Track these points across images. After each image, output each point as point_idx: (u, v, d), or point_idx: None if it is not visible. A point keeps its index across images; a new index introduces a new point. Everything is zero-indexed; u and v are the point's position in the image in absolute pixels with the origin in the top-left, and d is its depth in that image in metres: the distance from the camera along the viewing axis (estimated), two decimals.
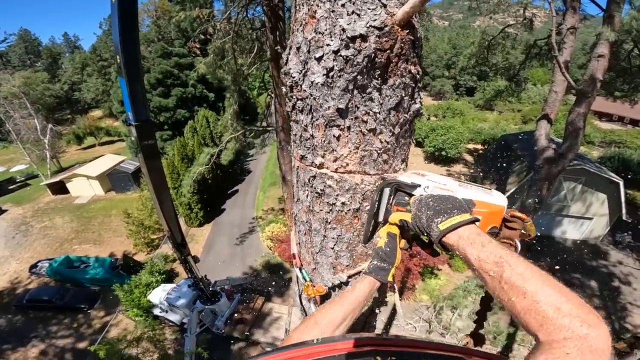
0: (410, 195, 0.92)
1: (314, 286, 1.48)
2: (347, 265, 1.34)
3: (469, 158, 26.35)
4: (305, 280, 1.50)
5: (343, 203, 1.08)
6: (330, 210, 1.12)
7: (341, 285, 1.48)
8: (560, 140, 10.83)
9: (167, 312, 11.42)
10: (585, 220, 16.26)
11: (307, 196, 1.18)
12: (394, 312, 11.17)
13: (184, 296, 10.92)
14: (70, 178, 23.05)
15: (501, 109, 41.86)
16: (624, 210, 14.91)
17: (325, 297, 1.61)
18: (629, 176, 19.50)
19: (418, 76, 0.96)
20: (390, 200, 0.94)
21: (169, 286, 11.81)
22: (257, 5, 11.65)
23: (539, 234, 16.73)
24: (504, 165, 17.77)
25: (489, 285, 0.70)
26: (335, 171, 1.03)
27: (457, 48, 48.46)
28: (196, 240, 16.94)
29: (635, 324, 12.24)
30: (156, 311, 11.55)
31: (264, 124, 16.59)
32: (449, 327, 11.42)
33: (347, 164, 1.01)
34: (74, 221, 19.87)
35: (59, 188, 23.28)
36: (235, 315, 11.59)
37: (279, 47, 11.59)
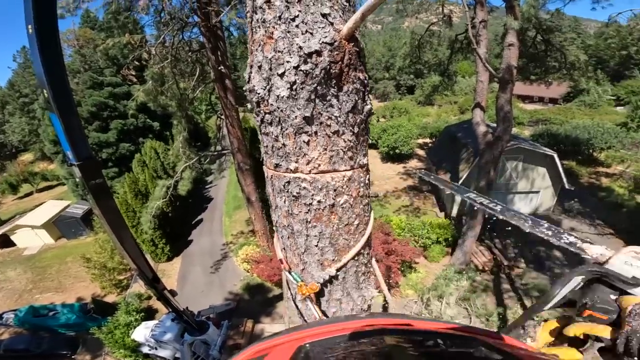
0: (622, 292, 0.62)
1: (307, 285, 1.56)
2: (333, 260, 1.44)
3: (421, 152, 28.01)
4: (297, 281, 1.56)
5: (319, 201, 1.19)
6: (308, 210, 1.22)
7: (331, 279, 1.57)
8: (495, 125, 11.97)
9: (156, 349, 10.70)
10: (533, 194, 17.50)
11: (284, 201, 1.26)
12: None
13: (169, 330, 10.26)
14: (13, 230, 21.27)
15: (440, 103, 45.36)
16: (564, 180, 16.26)
17: (318, 294, 1.69)
18: (561, 148, 22.06)
19: (366, 81, 1.11)
20: (584, 296, 0.65)
21: (151, 323, 11.07)
22: (193, 27, 11.48)
23: None
24: (453, 154, 19.06)
25: None
26: (309, 173, 1.14)
27: (392, 50, 51.71)
28: (168, 275, 16.07)
29: None
30: (145, 349, 10.82)
31: (218, 147, 16.20)
32: (441, 317, 11.68)
33: (319, 165, 1.12)
34: (28, 272, 18.55)
35: (3, 241, 21.46)
36: (228, 341, 11.13)
37: (222, 67, 11.51)
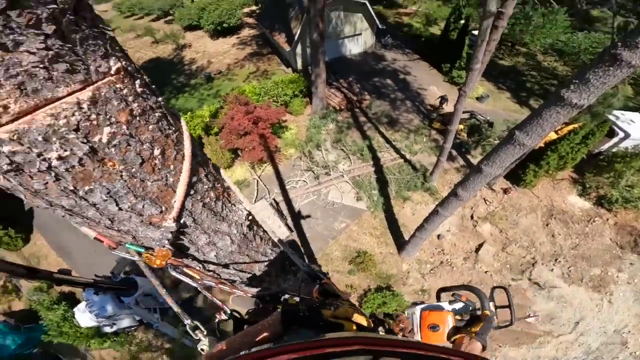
0: None
1: (154, 254, 1.16)
2: (161, 211, 1.03)
3: (250, 20, 25.99)
4: (141, 252, 1.16)
5: (60, 157, 0.72)
6: (57, 177, 0.75)
7: (181, 231, 1.19)
8: None
9: (114, 324, 9.70)
10: (358, 36, 20.10)
11: (8, 180, 0.73)
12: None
13: (104, 303, 8.88)
14: None
15: None
16: (377, 21, 19.14)
17: (182, 251, 1.32)
18: None
19: None
20: None
21: (82, 306, 9.32)
22: None
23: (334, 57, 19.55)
24: (282, 15, 19.03)
25: None
26: (5, 125, 0.62)
27: None
28: (45, 256, 12.65)
29: (432, 94, 16.29)
30: (107, 329, 9.75)
31: None
32: (328, 166, 12.72)
33: (7, 108, 0.60)
34: None
35: None
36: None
37: None
